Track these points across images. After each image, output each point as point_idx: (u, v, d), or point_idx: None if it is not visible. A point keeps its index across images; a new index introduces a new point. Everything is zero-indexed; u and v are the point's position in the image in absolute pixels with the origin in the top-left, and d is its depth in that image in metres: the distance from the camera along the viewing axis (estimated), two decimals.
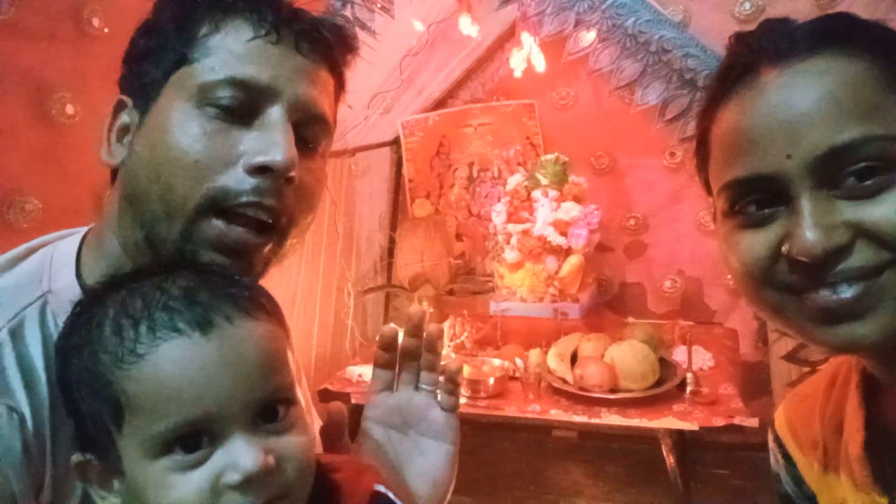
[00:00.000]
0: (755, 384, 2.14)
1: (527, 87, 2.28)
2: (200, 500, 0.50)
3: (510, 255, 2.14)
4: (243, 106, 0.59)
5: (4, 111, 1.40)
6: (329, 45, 0.65)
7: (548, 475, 2.33)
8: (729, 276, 0.58)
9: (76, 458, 0.54)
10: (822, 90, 0.49)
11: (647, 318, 2.25)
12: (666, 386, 1.76)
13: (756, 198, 0.51)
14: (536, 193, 2.14)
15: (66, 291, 0.60)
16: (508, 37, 2.20)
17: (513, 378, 1.91)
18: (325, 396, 1.96)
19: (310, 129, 0.63)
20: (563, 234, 2.09)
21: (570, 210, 2.09)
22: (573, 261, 2.09)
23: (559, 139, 2.28)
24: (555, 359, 1.87)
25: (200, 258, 0.59)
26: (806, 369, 1.54)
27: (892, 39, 0.52)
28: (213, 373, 0.50)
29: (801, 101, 0.49)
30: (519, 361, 1.93)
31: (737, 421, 1.63)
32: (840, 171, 0.48)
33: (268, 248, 0.62)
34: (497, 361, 1.92)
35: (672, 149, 2.22)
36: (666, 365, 1.85)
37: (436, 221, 2.33)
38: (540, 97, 2.29)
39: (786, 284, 0.51)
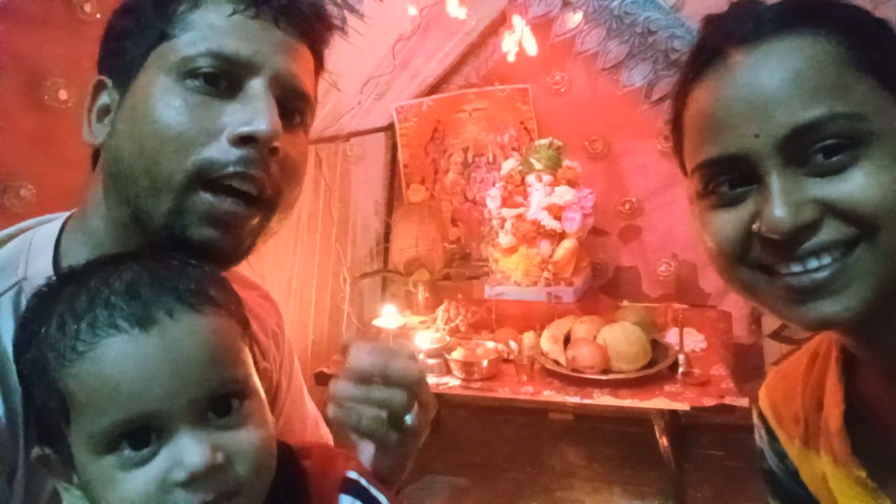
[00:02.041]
0: (749, 366, 2.15)
1: (521, 72, 2.28)
2: (147, 498, 0.49)
3: (504, 239, 2.16)
4: (225, 78, 0.59)
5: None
6: (308, 22, 0.65)
7: (543, 457, 2.35)
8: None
9: (36, 451, 0.55)
10: (789, 70, 0.50)
11: (642, 301, 2.26)
12: (657, 367, 1.77)
13: (728, 178, 0.52)
14: (530, 178, 2.15)
15: (41, 278, 0.59)
16: (502, 21, 2.20)
17: (507, 360, 1.93)
18: (320, 379, 1.98)
19: (291, 104, 0.63)
20: (557, 218, 2.10)
21: (563, 194, 2.09)
22: (567, 245, 2.10)
23: (553, 124, 2.29)
24: (548, 341, 1.89)
25: (189, 233, 0.59)
26: (791, 347, 1.55)
27: (858, 19, 0.53)
28: (154, 369, 0.50)
29: (768, 81, 0.50)
30: (513, 344, 1.95)
31: (727, 401, 1.65)
32: (807, 148, 0.49)
33: (256, 220, 0.61)
34: (491, 344, 1.94)
35: (665, 133, 2.22)
36: (658, 347, 1.86)
37: (430, 206, 2.34)
38: (534, 82, 2.29)
39: (758, 263, 0.51)
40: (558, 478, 2.24)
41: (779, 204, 0.49)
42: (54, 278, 0.57)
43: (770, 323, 1.90)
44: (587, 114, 2.29)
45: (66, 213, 0.68)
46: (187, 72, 0.59)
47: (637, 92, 1.78)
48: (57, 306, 0.53)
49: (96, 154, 0.66)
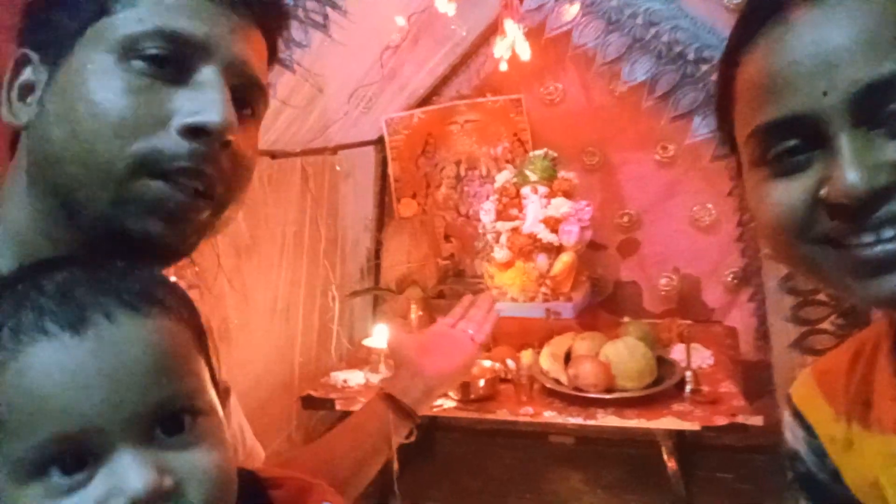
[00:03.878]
0: (756, 383, 2.06)
1: (513, 83, 2.22)
2: None
3: (500, 253, 2.07)
4: (173, 61, 0.54)
5: None
6: (264, 6, 0.61)
7: (544, 482, 2.24)
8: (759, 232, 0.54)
9: None
10: (859, 22, 0.46)
11: (643, 317, 2.17)
12: (664, 385, 1.68)
13: (788, 143, 0.49)
14: (525, 190, 2.07)
15: None
16: (493, 31, 2.12)
17: (504, 380, 1.83)
18: (307, 403, 1.87)
19: (245, 94, 0.59)
20: (554, 231, 2.02)
21: (560, 206, 2.02)
22: (565, 258, 2.02)
23: (547, 135, 2.22)
24: (548, 359, 1.79)
25: (130, 225, 0.54)
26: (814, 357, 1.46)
27: None
28: (88, 379, 0.43)
29: (837, 35, 0.46)
30: (511, 363, 1.85)
31: (740, 419, 1.56)
32: (881, 107, 0.45)
33: (205, 215, 0.57)
34: (487, 363, 1.84)
35: (664, 142, 2.15)
36: (663, 364, 1.77)
37: (422, 221, 2.25)
38: (527, 92, 2.23)
39: (824, 235, 0.48)
40: (561, 503, 2.12)
41: (851, 167, 0.45)
42: None
43: (783, 335, 1.81)
44: (582, 124, 2.22)
45: None
46: (131, 52, 0.54)
47: (639, 88, 1.70)
48: None
49: (13, 138, 0.61)
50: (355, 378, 1.92)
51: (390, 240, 2.26)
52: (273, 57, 0.66)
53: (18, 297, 0.46)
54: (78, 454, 0.43)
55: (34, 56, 0.57)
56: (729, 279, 2.22)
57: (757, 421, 1.56)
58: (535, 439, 2.51)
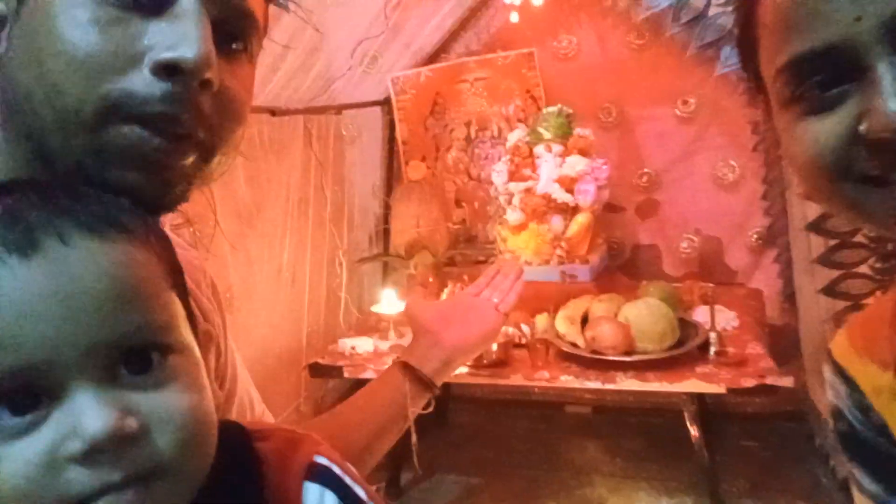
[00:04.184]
0: (782, 348, 1.97)
1: (525, 37, 2.12)
2: (30, 479, 0.37)
3: (512, 215, 1.99)
4: None
5: None
6: None
7: (561, 452, 2.18)
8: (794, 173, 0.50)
9: None
10: None
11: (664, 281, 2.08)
12: (687, 346, 1.60)
13: (820, 77, 0.44)
14: (539, 149, 1.98)
15: None
16: None
17: (518, 345, 1.76)
18: (316, 371, 1.82)
19: (232, 25, 0.52)
20: (570, 190, 1.93)
21: (575, 164, 1.92)
22: (581, 219, 1.93)
23: (561, 92, 2.11)
24: (564, 322, 1.71)
25: (108, 175, 0.48)
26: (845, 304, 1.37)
27: None
28: (39, 306, 0.38)
29: None
30: (525, 328, 1.78)
31: (769, 381, 1.47)
32: None
33: (190, 160, 0.51)
34: (500, 331, 1.76)
35: (685, 96, 2.05)
36: (686, 326, 1.69)
37: (432, 184, 2.17)
38: (540, 47, 2.12)
39: (864, 174, 0.44)
40: (577, 474, 2.06)
41: (891, 97, 0.41)
42: None
43: (810, 297, 1.72)
44: (598, 79, 2.12)
45: None
46: None
47: (662, 16, 1.59)
48: None
49: None
50: (364, 345, 1.85)
51: (399, 204, 2.18)
52: None
53: None
54: (30, 392, 0.38)
55: None
56: (753, 240, 2.13)
57: (787, 382, 1.48)
58: (550, 409, 2.44)
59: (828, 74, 0.44)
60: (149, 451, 0.39)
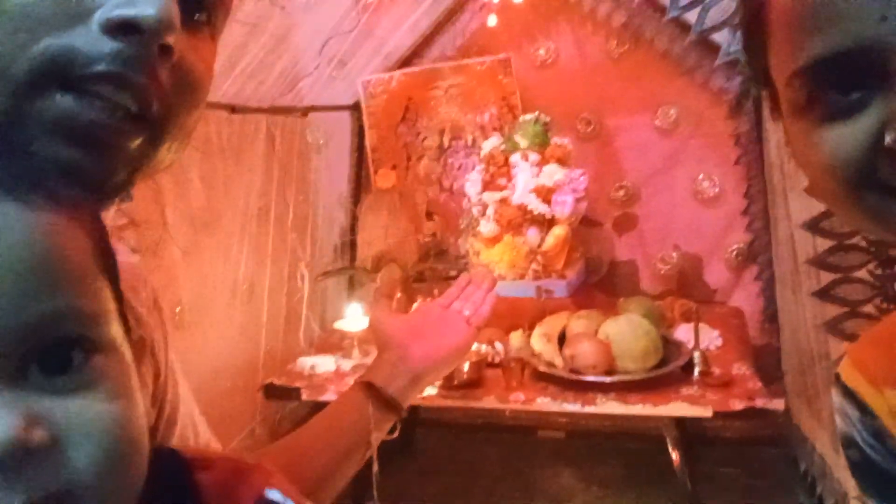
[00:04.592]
0: (764, 369, 1.89)
1: (502, 43, 2.04)
2: None
3: (486, 227, 1.89)
4: None
5: None
6: None
7: (534, 480, 2.06)
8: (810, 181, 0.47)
9: None
10: None
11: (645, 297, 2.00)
12: (671, 366, 1.51)
13: (841, 81, 0.41)
14: (515, 157, 1.89)
15: None
16: None
17: (492, 365, 1.65)
18: (270, 392, 1.68)
19: None
20: (547, 201, 1.84)
21: (553, 174, 1.84)
22: (557, 232, 1.84)
23: (538, 100, 2.04)
24: (540, 340, 1.61)
25: (35, 148, 0.42)
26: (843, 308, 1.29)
27: None
28: None
29: None
30: (499, 346, 1.67)
31: (759, 403, 1.38)
32: None
33: (137, 141, 0.45)
34: (472, 346, 1.64)
35: (665, 105, 1.98)
36: (668, 344, 1.60)
37: (401, 193, 2.06)
38: (517, 53, 2.05)
39: (889, 184, 0.41)
40: (553, 502, 1.94)
41: None
42: None
43: (794, 316, 1.64)
44: (576, 88, 2.05)
45: None
46: None
47: (644, 20, 1.51)
48: None
49: None
50: (325, 364, 1.72)
51: (367, 215, 2.07)
52: None
53: None
54: None
55: None
56: (733, 256, 2.06)
57: (778, 405, 1.39)
58: (523, 434, 2.32)
59: (849, 78, 0.41)
60: (60, 469, 0.31)
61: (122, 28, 0.42)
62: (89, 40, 0.42)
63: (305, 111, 1.90)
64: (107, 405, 0.35)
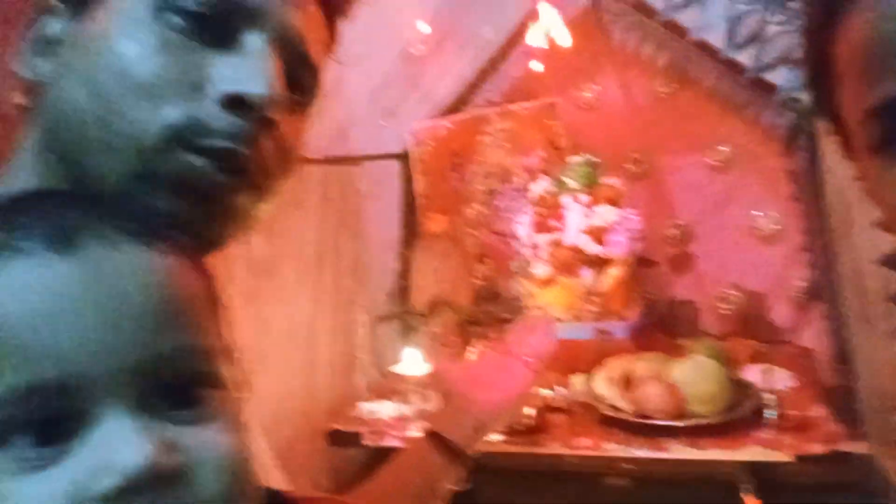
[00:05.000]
0: (839, 412, 1.80)
1: (546, 87, 2.06)
2: None
3: (539, 269, 1.87)
4: (216, 23, 0.47)
5: None
6: None
7: None
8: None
9: None
10: None
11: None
12: (743, 408, 1.45)
13: None
14: (565, 199, 1.88)
15: None
16: (522, 32, 2.00)
17: (554, 410, 1.61)
18: (334, 439, 1.67)
19: (296, 74, 0.51)
20: (600, 242, 1.82)
21: (605, 214, 1.82)
22: (614, 272, 1.81)
23: (585, 142, 2.04)
24: (603, 383, 1.57)
25: (155, 202, 0.46)
26: None
27: None
28: (75, 310, 0.32)
29: None
30: (560, 390, 1.64)
31: (842, 447, 1.31)
32: None
33: (239, 197, 0.49)
34: (534, 390, 1.61)
35: (718, 143, 1.96)
36: (738, 386, 1.54)
37: (453, 237, 2.07)
38: (562, 97, 2.06)
39: None
40: None
41: None
42: None
43: (872, 354, 1.57)
44: (624, 129, 2.05)
45: None
46: (169, 6, 0.47)
47: (716, 37, 1.49)
48: None
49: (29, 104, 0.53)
50: (385, 409, 1.70)
51: (418, 260, 2.08)
52: (331, 41, 0.58)
53: None
54: (53, 417, 0.32)
55: (58, 5, 0.50)
56: (796, 294, 1.99)
57: (862, 448, 1.32)
58: (587, 482, 2.23)
59: None
60: (188, 497, 0.33)
61: (234, 103, 0.46)
62: (208, 112, 0.46)
63: (357, 160, 1.94)
64: (227, 437, 0.36)
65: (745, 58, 1.18)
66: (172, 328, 0.36)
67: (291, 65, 0.51)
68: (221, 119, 0.46)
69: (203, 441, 0.35)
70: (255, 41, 0.48)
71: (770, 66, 1.07)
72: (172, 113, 0.45)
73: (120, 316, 0.34)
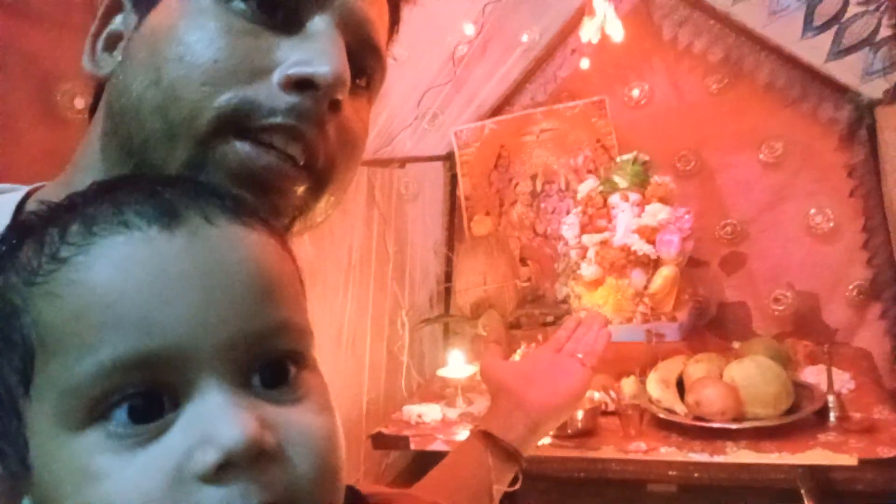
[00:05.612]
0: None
1: (593, 86, 2.04)
2: (153, 499, 0.29)
3: (588, 270, 1.84)
4: (281, 6, 0.47)
5: (7, 104, 1.22)
6: None
7: None
8: None
9: None
10: None
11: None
12: (805, 411, 1.40)
13: None
14: (614, 199, 1.86)
15: None
16: (568, 32, 1.98)
17: (605, 413, 1.58)
18: (378, 442, 1.66)
19: (360, 58, 0.50)
20: (651, 241, 1.78)
21: (656, 213, 1.79)
22: (666, 273, 1.78)
23: (634, 141, 2.00)
24: (657, 386, 1.54)
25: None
26: None
27: None
28: (178, 284, 0.32)
29: None
30: (611, 393, 1.60)
31: None
32: None
33: (303, 188, 0.48)
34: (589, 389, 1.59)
35: (770, 140, 1.91)
36: (798, 388, 1.49)
37: (498, 239, 2.05)
38: (609, 95, 2.03)
39: None
40: None
41: None
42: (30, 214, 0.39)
43: None
44: (673, 126, 2.01)
45: (25, 187, 0.55)
46: None
47: (793, 17, 1.45)
48: (32, 230, 0.36)
49: (95, 103, 0.53)
50: (431, 413, 1.69)
51: (462, 262, 2.06)
52: (394, 26, 0.57)
53: (89, 197, 0.37)
54: (153, 391, 0.31)
55: (127, 2, 0.51)
56: (854, 294, 1.93)
57: None
58: (631, 488, 2.19)
59: None
60: (283, 475, 0.32)
61: (299, 84, 0.45)
62: (268, 94, 0.45)
63: (402, 162, 1.94)
64: (319, 418, 0.36)
65: (822, 41, 1.14)
66: (271, 303, 0.36)
67: (356, 49, 0.50)
68: (281, 100, 0.45)
69: (297, 421, 0.34)
70: (320, 24, 0.47)
71: (852, 49, 1.03)
72: (228, 98, 0.45)
73: (223, 290, 0.34)
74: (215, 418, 0.31)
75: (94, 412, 0.31)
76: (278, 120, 0.45)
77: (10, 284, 0.34)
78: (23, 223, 0.38)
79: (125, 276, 0.32)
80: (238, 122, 0.45)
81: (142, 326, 0.31)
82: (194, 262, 0.33)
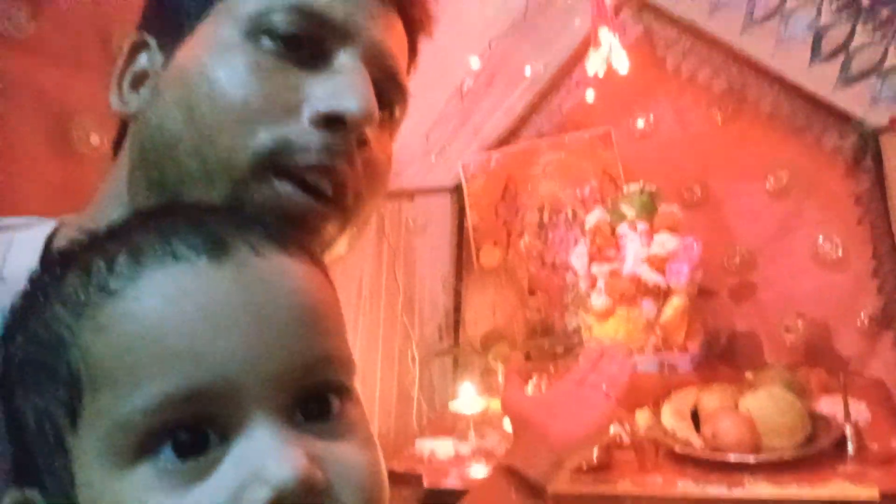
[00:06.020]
0: None
1: (598, 117, 2.05)
2: None
3: (598, 300, 1.84)
4: (308, 42, 0.47)
5: (20, 139, 1.23)
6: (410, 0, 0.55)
7: None
8: None
9: (12, 495, 0.35)
10: None
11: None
12: (823, 442, 1.38)
13: None
14: (622, 228, 1.86)
15: (24, 278, 0.40)
16: (573, 65, 2.01)
17: (620, 446, 1.56)
18: (390, 479, 1.62)
19: (384, 91, 0.51)
20: (660, 271, 1.78)
21: (665, 243, 1.79)
22: (675, 303, 1.77)
23: (640, 172, 2.02)
24: (672, 418, 1.52)
25: None
26: None
27: None
28: (227, 316, 0.32)
29: None
30: (626, 426, 1.58)
31: None
32: None
33: (330, 225, 0.49)
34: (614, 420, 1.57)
35: (776, 169, 1.92)
36: (813, 419, 1.47)
37: (507, 270, 2.05)
38: (614, 126, 2.05)
39: None
40: None
41: None
42: (71, 245, 0.39)
43: None
44: (679, 157, 2.02)
45: (52, 220, 0.55)
46: (261, 28, 0.47)
47: (800, 47, 1.46)
48: (76, 261, 0.36)
49: (119, 140, 0.55)
50: (444, 448, 1.67)
51: (471, 294, 2.06)
52: (413, 59, 0.58)
53: (134, 227, 0.37)
54: (199, 428, 0.31)
55: (151, 40, 0.51)
56: (865, 322, 1.92)
57: None
58: None
59: None
60: None
61: (328, 122, 0.46)
62: (300, 132, 0.46)
63: (411, 194, 1.95)
64: (363, 453, 0.36)
65: (829, 70, 1.15)
66: (318, 335, 0.36)
67: (381, 82, 0.50)
68: (314, 137, 0.46)
69: (343, 456, 0.34)
70: (346, 59, 0.48)
71: (861, 76, 1.04)
72: (264, 138, 0.45)
73: (271, 322, 0.34)
74: (265, 455, 0.31)
75: (143, 448, 0.31)
76: (313, 158, 0.46)
77: (55, 316, 0.34)
78: (63, 254, 0.38)
79: (175, 309, 0.32)
80: (275, 162, 0.45)
81: (192, 360, 0.31)
82: (243, 294, 0.33)
